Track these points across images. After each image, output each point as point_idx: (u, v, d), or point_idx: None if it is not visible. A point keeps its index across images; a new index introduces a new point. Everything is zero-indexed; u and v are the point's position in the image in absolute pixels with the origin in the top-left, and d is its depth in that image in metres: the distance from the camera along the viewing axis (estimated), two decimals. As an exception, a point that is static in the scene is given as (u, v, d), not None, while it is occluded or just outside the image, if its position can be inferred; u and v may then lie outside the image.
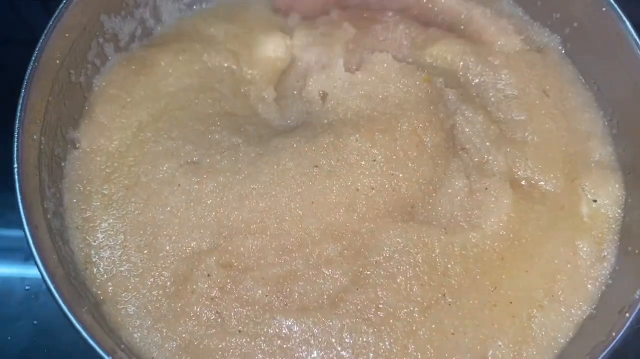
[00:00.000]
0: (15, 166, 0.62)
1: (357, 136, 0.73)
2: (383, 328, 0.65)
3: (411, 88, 0.77)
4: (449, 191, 0.73)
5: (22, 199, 0.61)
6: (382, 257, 0.69)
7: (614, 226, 0.73)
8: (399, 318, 0.66)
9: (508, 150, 0.76)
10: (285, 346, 0.65)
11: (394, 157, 0.72)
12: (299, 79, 0.82)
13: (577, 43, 0.82)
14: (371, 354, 0.65)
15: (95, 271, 0.67)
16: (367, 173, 0.71)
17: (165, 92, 0.77)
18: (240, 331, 0.65)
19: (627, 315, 0.62)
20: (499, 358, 0.65)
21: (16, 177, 0.61)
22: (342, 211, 0.70)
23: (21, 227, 0.88)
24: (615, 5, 0.73)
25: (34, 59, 0.66)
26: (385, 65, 0.79)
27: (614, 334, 0.61)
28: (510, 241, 0.71)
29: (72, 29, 0.72)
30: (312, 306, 0.66)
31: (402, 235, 0.69)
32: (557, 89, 0.81)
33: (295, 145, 0.72)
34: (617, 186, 0.75)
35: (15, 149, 0.62)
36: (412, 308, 0.66)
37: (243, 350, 0.64)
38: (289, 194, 0.70)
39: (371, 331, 0.65)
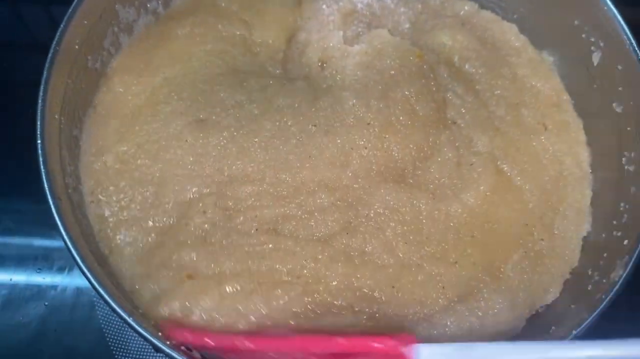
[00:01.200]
0: (39, 141, 0.65)
1: (354, 100, 0.78)
2: (361, 269, 0.70)
3: (405, 61, 0.82)
4: (438, 159, 0.78)
5: (45, 172, 0.64)
6: (372, 212, 0.73)
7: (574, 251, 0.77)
8: (378, 265, 0.70)
9: (492, 134, 0.80)
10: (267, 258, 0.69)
11: (387, 122, 0.77)
12: (299, 47, 0.87)
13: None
14: (340, 270, 0.69)
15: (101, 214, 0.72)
16: (360, 134, 0.76)
17: (180, 59, 0.82)
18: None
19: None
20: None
21: (39, 152, 0.65)
22: (337, 165, 0.75)
23: (30, 234, 0.94)
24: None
25: (54, 42, 0.69)
26: (382, 40, 0.84)
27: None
28: (482, 220, 0.75)
29: (89, 16, 0.75)
30: (302, 237, 0.71)
31: (392, 194, 0.74)
32: (557, 125, 0.83)
33: (296, 105, 0.77)
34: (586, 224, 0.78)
35: (39, 125, 0.66)
36: (392, 261, 0.71)
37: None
38: (288, 147, 0.75)
39: (350, 265, 0.70)
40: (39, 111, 0.66)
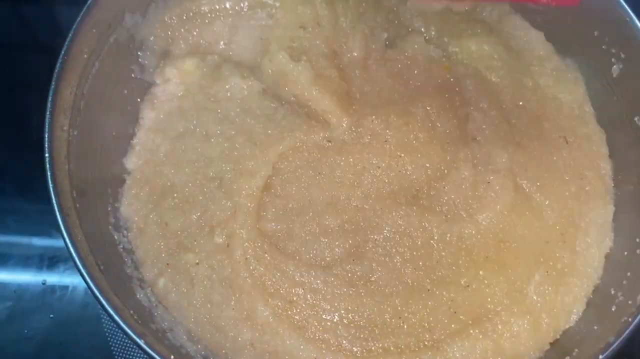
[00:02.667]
0: (47, 154, 0.63)
1: (374, 116, 0.77)
2: (365, 299, 0.69)
3: (433, 73, 0.81)
4: (455, 178, 0.76)
5: (53, 187, 0.62)
6: (382, 236, 0.72)
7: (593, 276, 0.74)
8: (385, 294, 0.69)
9: (512, 150, 0.78)
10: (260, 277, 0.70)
11: (405, 139, 0.76)
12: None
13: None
14: (340, 304, 0.69)
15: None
16: (375, 153, 0.75)
17: None
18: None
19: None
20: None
21: (47, 166, 0.63)
22: (347, 185, 0.73)
23: (34, 234, 0.94)
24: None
25: (63, 52, 0.68)
26: (416, 46, 0.82)
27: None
28: (497, 241, 0.73)
29: (98, 24, 0.73)
30: (304, 260, 0.70)
31: (404, 218, 0.72)
32: (579, 138, 0.80)
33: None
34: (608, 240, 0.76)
35: (46, 139, 0.64)
36: (400, 288, 0.69)
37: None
38: (300, 162, 0.74)
39: (353, 294, 0.68)
40: (46, 124, 0.64)
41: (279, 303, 0.69)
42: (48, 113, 0.65)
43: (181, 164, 0.75)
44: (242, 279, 0.69)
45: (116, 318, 0.58)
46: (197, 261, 0.71)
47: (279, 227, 0.73)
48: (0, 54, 1.09)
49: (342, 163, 0.75)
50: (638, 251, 0.71)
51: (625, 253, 0.73)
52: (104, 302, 0.58)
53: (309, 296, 0.69)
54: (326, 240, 0.71)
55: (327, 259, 0.71)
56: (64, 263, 0.92)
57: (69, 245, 0.61)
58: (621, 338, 0.60)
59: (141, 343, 0.57)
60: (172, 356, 0.59)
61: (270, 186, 0.74)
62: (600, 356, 0.59)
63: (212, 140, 0.76)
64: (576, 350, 0.65)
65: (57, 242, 0.91)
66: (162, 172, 0.76)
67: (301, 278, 0.69)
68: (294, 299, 0.69)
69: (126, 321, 0.57)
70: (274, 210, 0.73)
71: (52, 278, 0.91)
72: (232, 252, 0.70)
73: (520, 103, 0.82)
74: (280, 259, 0.70)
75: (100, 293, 0.59)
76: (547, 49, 0.87)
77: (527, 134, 0.79)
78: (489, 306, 0.70)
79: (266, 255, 0.70)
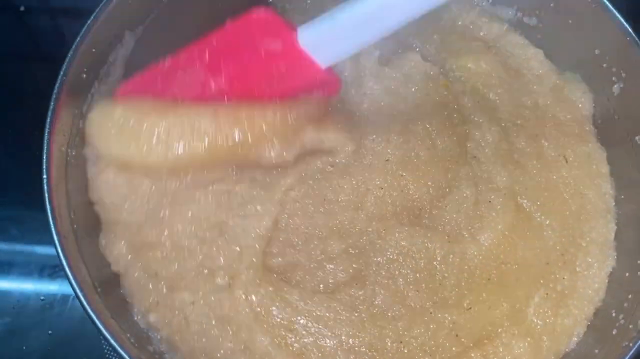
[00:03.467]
0: (44, 176, 0.63)
1: (374, 135, 0.76)
2: (367, 324, 0.68)
3: (431, 90, 0.80)
4: (456, 197, 0.75)
5: (50, 209, 0.62)
6: (385, 259, 0.71)
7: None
8: (388, 318, 0.69)
9: (512, 168, 0.77)
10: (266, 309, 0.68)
11: (406, 158, 0.75)
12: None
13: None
14: (342, 331, 0.68)
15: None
16: (378, 173, 0.74)
17: None
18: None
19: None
20: None
21: (45, 187, 0.63)
22: (351, 209, 0.73)
23: (35, 242, 0.94)
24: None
25: (62, 72, 0.68)
26: (413, 64, 0.82)
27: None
28: (499, 262, 0.72)
29: (97, 44, 0.73)
30: (308, 288, 0.69)
31: (407, 239, 0.72)
32: (578, 157, 0.80)
33: None
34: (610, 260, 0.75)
35: (45, 159, 0.64)
36: (403, 312, 0.69)
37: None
38: (304, 191, 0.73)
39: (356, 320, 0.68)
40: (45, 145, 0.64)
41: (280, 332, 0.68)
42: (46, 133, 0.65)
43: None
44: (243, 314, 0.68)
45: (112, 341, 0.57)
46: (192, 300, 0.68)
47: (285, 260, 0.71)
48: (5, 64, 1.10)
49: (345, 186, 0.74)
50: (639, 273, 0.70)
51: (627, 274, 0.72)
52: (99, 325, 0.58)
53: (310, 323, 0.68)
54: (331, 266, 0.71)
55: (331, 284, 0.70)
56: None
57: (66, 267, 0.61)
58: (622, 363, 0.59)
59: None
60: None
61: (275, 220, 0.73)
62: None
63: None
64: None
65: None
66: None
67: (305, 306, 0.69)
68: (295, 327, 0.68)
69: (122, 345, 0.57)
70: (279, 244, 0.72)
71: (53, 286, 0.92)
72: (234, 291, 0.68)
73: (519, 121, 0.81)
74: (286, 290, 0.69)
75: (97, 315, 0.59)
76: (546, 67, 0.86)
77: (526, 152, 0.79)
78: (489, 328, 0.70)
79: (270, 288, 0.69)
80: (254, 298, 0.68)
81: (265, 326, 0.67)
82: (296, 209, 0.73)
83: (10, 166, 0.99)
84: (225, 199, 0.72)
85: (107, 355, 0.88)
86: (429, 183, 0.75)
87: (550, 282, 0.73)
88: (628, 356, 0.60)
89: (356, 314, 0.69)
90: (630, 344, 0.61)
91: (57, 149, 0.66)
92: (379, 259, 0.71)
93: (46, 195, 0.62)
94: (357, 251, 0.72)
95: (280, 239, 0.72)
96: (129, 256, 0.70)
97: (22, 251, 0.94)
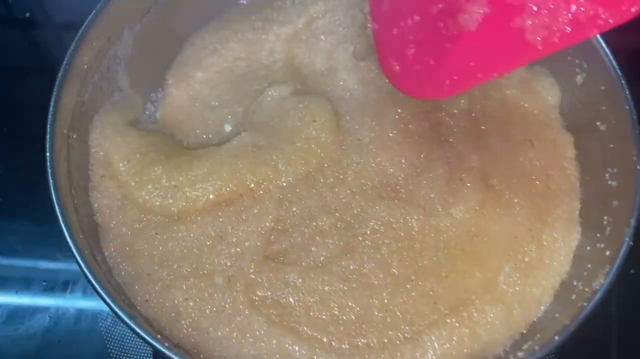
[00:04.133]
0: (48, 154, 0.69)
1: (348, 117, 0.83)
2: (356, 293, 0.73)
3: None
4: (430, 175, 0.81)
5: (53, 184, 0.68)
6: (369, 229, 0.77)
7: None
8: (374, 286, 0.74)
9: (481, 151, 0.83)
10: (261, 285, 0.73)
11: (379, 139, 0.81)
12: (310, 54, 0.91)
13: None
14: (333, 302, 0.73)
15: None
16: (353, 150, 0.81)
17: None
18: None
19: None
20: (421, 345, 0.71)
21: (48, 163, 0.69)
22: (335, 184, 0.79)
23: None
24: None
25: (65, 61, 0.74)
26: None
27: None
28: (471, 235, 0.78)
29: (97, 39, 0.80)
30: (304, 265, 0.74)
31: (387, 210, 0.77)
32: (543, 142, 0.85)
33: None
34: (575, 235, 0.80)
35: (48, 139, 0.70)
36: (388, 280, 0.74)
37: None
38: (297, 179, 0.79)
39: (347, 290, 0.73)
40: (48, 126, 0.70)
41: (275, 311, 0.72)
42: (50, 116, 0.71)
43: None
44: (239, 302, 0.72)
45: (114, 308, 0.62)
46: (185, 297, 0.72)
47: (282, 245, 0.76)
48: (9, 77, 1.14)
49: (329, 163, 0.80)
50: (598, 245, 0.75)
51: (588, 248, 0.78)
52: (101, 292, 0.63)
53: (305, 297, 0.73)
54: (323, 241, 0.76)
55: (324, 258, 0.75)
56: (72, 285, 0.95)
57: (68, 239, 0.66)
58: (576, 321, 0.64)
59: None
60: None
61: (276, 218, 0.77)
62: (557, 338, 0.63)
63: None
64: (538, 335, 0.70)
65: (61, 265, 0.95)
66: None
67: (302, 283, 0.73)
68: (290, 303, 0.72)
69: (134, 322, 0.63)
70: (276, 233, 0.77)
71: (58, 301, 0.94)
72: (232, 286, 0.72)
73: (488, 111, 0.87)
74: (284, 272, 0.74)
75: (102, 287, 0.64)
76: None
77: (495, 137, 0.85)
78: (464, 296, 0.74)
79: (270, 274, 0.74)
80: (253, 289, 0.73)
81: (261, 308, 0.72)
82: (291, 197, 0.78)
83: (14, 180, 1.03)
84: (223, 210, 0.76)
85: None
86: (403, 161, 0.81)
87: (519, 254, 0.78)
88: (582, 314, 0.65)
89: (347, 284, 0.74)
90: (585, 304, 0.66)
91: (59, 130, 0.72)
92: (363, 230, 0.76)
93: (49, 171, 0.68)
94: (344, 224, 0.77)
95: (279, 227, 0.77)
96: (118, 259, 0.74)
97: (22, 266, 0.96)
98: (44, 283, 0.94)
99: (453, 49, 0.61)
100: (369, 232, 0.77)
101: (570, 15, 0.51)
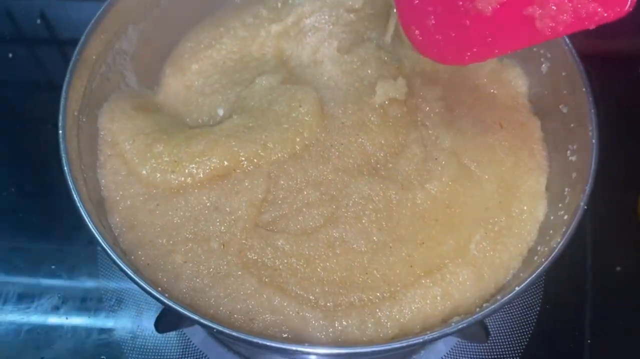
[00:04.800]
0: (60, 131, 0.77)
1: (332, 103, 0.91)
2: (340, 258, 0.80)
3: (384, 72, 0.95)
4: (408, 154, 0.89)
5: (65, 157, 0.75)
6: (351, 202, 0.84)
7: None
8: (356, 252, 0.81)
9: (454, 133, 0.91)
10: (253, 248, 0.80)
11: (360, 122, 0.90)
12: (298, 48, 1.00)
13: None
14: (319, 265, 0.80)
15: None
16: (336, 132, 0.89)
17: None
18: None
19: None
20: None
21: (60, 139, 0.76)
22: (320, 161, 0.86)
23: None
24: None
25: (76, 51, 0.82)
26: (369, 52, 0.97)
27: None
28: (444, 207, 0.85)
29: (104, 32, 0.88)
30: (292, 232, 0.82)
31: (367, 185, 0.85)
32: (512, 124, 0.93)
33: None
34: (542, 207, 0.87)
35: (60, 118, 0.77)
36: (369, 246, 0.81)
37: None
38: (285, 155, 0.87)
39: (331, 255, 0.80)
40: (61, 107, 0.78)
41: (266, 273, 0.79)
42: (62, 99, 0.79)
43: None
44: (232, 265, 0.79)
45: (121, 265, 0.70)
46: (184, 260, 0.78)
47: (272, 215, 0.84)
48: (18, 94, 1.20)
49: (314, 142, 0.88)
50: (559, 213, 0.82)
51: (552, 217, 0.85)
52: (110, 253, 0.71)
53: (293, 261, 0.80)
54: (309, 211, 0.84)
55: (310, 226, 0.83)
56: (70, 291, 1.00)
57: (78, 204, 0.73)
58: (533, 274, 0.71)
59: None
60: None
61: (266, 190, 0.85)
62: (517, 288, 0.71)
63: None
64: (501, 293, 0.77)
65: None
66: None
67: (290, 248, 0.80)
68: (279, 266, 0.79)
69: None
70: (266, 204, 0.84)
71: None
72: (227, 250, 0.80)
73: (461, 98, 0.96)
74: (274, 238, 0.81)
75: (108, 246, 0.71)
76: None
77: (467, 121, 0.93)
78: (438, 261, 0.82)
79: (261, 240, 0.81)
80: (245, 253, 0.80)
81: (252, 270, 0.79)
82: (279, 172, 0.86)
83: (22, 197, 1.07)
84: (218, 183, 0.84)
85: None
86: (382, 142, 0.89)
87: (489, 224, 0.85)
88: (540, 268, 0.72)
89: (331, 250, 0.81)
90: (543, 260, 0.73)
91: (71, 112, 0.80)
92: (346, 202, 0.84)
93: (61, 146, 0.76)
94: (329, 197, 0.85)
95: (269, 199, 0.84)
96: (124, 229, 0.82)
97: (26, 284, 0.99)
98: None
99: (471, 26, 0.67)
100: (351, 204, 0.84)
101: (572, 10, 0.60)
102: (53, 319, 0.97)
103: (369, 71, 0.96)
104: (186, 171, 0.82)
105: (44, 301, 0.98)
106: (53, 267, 1.00)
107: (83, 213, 0.72)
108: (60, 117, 0.78)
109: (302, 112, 0.89)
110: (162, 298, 0.68)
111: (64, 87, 0.79)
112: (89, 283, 0.99)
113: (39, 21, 1.27)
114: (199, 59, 0.99)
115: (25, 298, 0.98)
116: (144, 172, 0.82)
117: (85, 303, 0.98)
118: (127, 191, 0.83)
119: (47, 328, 0.96)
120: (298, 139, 0.87)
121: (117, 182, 0.84)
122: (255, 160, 0.85)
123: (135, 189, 0.83)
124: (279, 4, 1.06)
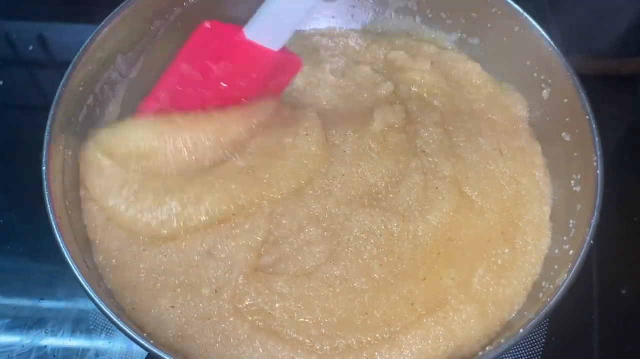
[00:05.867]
0: (44, 167, 0.74)
1: (334, 131, 0.89)
2: (340, 298, 0.77)
3: (381, 97, 0.93)
4: (408, 184, 0.86)
5: (48, 195, 0.72)
6: (352, 236, 0.81)
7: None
8: (357, 291, 0.78)
9: (454, 161, 0.89)
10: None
11: (361, 151, 0.87)
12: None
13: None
14: (318, 307, 0.76)
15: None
16: (339, 162, 0.86)
17: None
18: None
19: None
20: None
21: (44, 176, 0.73)
22: (323, 196, 0.84)
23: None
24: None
25: (62, 83, 0.79)
26: (363, 75, 0.95)
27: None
28: (446, 239, 0.82)
29: (93, 63, 0.86)
30: (292, 273, 0.78)
31: (369, 218, 0.82)
32: (512, 150, 0.90)
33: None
34: (546, 239, 0.84)
35: (44, 154, 0.75)
36: (370, 284, 0.78)
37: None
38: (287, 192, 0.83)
39: (331, 295, 0.77)
40: (45, 142, 0.75)
41: (260, 317, 0.75)
42: (47, 133, 0.76)
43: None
44: (226, 311, 0.75)
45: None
46: (172, 305, 0.74)
47: (273, 258, 0.80)
48: (16, 116, 1.17)
49: (318, 175, 0.85)
50: (564, 247, 0.79)
51: (556, 251, 0.82)
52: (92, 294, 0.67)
53: (291, 304, 0.76)
54: (310, 249, 0.80)
55: (312, 265, 0.79)
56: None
57: (61, 245, 0.70)
58: (540, 315, 0.68)
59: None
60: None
61: (267, 232, 0.81)
62: (521, 330, 0.67)
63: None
64: (508, 332, 0.73)
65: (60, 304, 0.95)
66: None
67: (289, 290, 0.77)
68: (276, 309, 0.75)
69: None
70: (268, 245, 0.80)
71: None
72: (219, 296, 0.75)
73: (459, 124, 0.93)
74: (272, 281, 0.77)
75: (92, 289, 0.68)
76: (484, 78, 0.99)
77: (466, 148, 0.90)
78: (440, 297, 0.78)
79: (259, 285, 0.77)
80: (240, 298, 0.76)
81: (247, 315, 0.75)
82: (283, 211, 0.82)
83: (15, 220, 1.03)
84: (213, 229, 0.79)
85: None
86: (383, 171, 0.86)
87: (492, 257, 0.82)
88: (546, 308, 0.68)
89: (331, 290, 0.77)
90: (549, 299, 0.69)
91: (56, 147, 0.77)
92: (347, 237, 0.81)
93: (44, 182, 0.73)
94: (330, 233, 0.81)
95: (270, 240, 0.80)
96: (107, 269, 0.77)
97: (24, 306, 0.95)
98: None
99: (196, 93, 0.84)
100: (352, 239, 0.81)
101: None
102: (46, 342, 0.93)
103: (366, 95, 0.94)
104: (178, 219, 0.77)
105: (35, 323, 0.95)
106: (43, 288, 0.97)
107: (65, 254, 0.69)
108: (44, 153, 0.75)
109: (309, 141, 0.85)
110: (147, 345, 0.65)
111: (49, 122, 0.77)
112: (81, 305, 0.95)
113: (31, 47, 1.25)
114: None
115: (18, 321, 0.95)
116: (127, 223, 0.77)
117: (78, 325, 0.94)
118: (109, 233, 0.79)
119: (38, 349, 0.93)
120: (304, 174, 0.84)
121: (99, 225, 0.80)
122: (257, 201, 0.81)
123: (118, 234, 0.79)
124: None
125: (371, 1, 1.04)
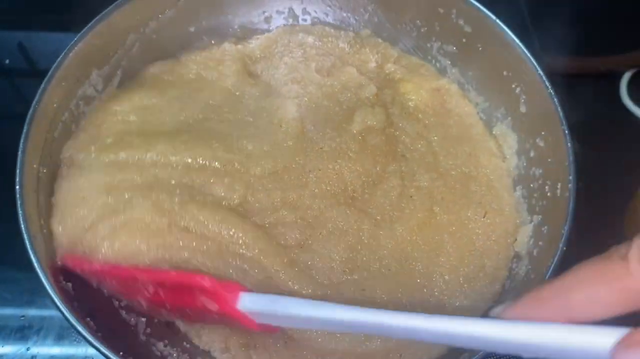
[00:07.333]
0: (17, 187, 0.73)
1: (312, 127, 0.91)
2: (305, 282, 0.78)
3: (363, 98, 0.95)
4: (385, 186, 0.87)
5: (22, 214, 0.71)
6: (325, 231, 0.83)
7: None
8: (318, 282, 0.79)
9: (434, 176, 0.90)
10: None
11: (339, 149, 0.89)
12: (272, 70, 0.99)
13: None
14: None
15: None
16: (314, 157, 0.88)
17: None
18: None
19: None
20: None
21: (17, 196, 0.72)
22: (298, 186, 0.85)
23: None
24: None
25: (35, 100, 0.78)
26: (349, 76, 0.97)
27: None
28: (404, 257, 0.83)
29: (67, 79, 0.85)
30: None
31: (342, 216, 0.84)
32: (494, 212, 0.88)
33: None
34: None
35: (18, 173, 0.74)
36: (333, 281, 0.80)
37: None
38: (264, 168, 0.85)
39: (295, 270, 0.79)
40: (18, 161, 0.74)
41: None
42: (20, 152, 0.75)
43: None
44: None
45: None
46: None
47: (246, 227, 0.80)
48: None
49: (294, 165, 0.87)
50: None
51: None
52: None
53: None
54: (282, 230, 0.82)
55: (282, 244, 0.81)
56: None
57: (35, 265, 0.69)
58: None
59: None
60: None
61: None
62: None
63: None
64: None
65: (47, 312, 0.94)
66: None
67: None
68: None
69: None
70: (242, 209, 0.82)
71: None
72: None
73: (444, 144, 0.93)
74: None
75: (70, 313, 0.67)
76: (475, 118, 0.98)
77: (448, 167, 0.92)
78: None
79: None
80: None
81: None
82: (257, 186, 0.84)
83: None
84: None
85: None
86: (360, 170, 0.88)
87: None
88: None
89: (296, 270, 0.79)
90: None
91: (29, 165, 0.76)
92: (320, 231, 0.83)
93: (18, 202, 0.72)
94: (305, 223, 0.83)
95: (245, 206, 0.82)
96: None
97: (12, 315, 0.94)
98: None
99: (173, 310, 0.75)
100: (325, 233, 0.83)
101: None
102: (34, 350, 0.93)
103: (348, 95, 0.95)
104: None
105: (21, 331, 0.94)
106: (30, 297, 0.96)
107: (41, 275, 0.68)
108: (18, 172, 0.74)
109: (283, 131, 0.88)
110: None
111: (22, 140, 0.76)
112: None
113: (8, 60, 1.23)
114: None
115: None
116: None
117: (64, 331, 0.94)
118: None
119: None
120: (279, 160, 0.86)
121: None
122: (237, 165, 0.84)
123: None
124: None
125: (370, 8, 1.03)
